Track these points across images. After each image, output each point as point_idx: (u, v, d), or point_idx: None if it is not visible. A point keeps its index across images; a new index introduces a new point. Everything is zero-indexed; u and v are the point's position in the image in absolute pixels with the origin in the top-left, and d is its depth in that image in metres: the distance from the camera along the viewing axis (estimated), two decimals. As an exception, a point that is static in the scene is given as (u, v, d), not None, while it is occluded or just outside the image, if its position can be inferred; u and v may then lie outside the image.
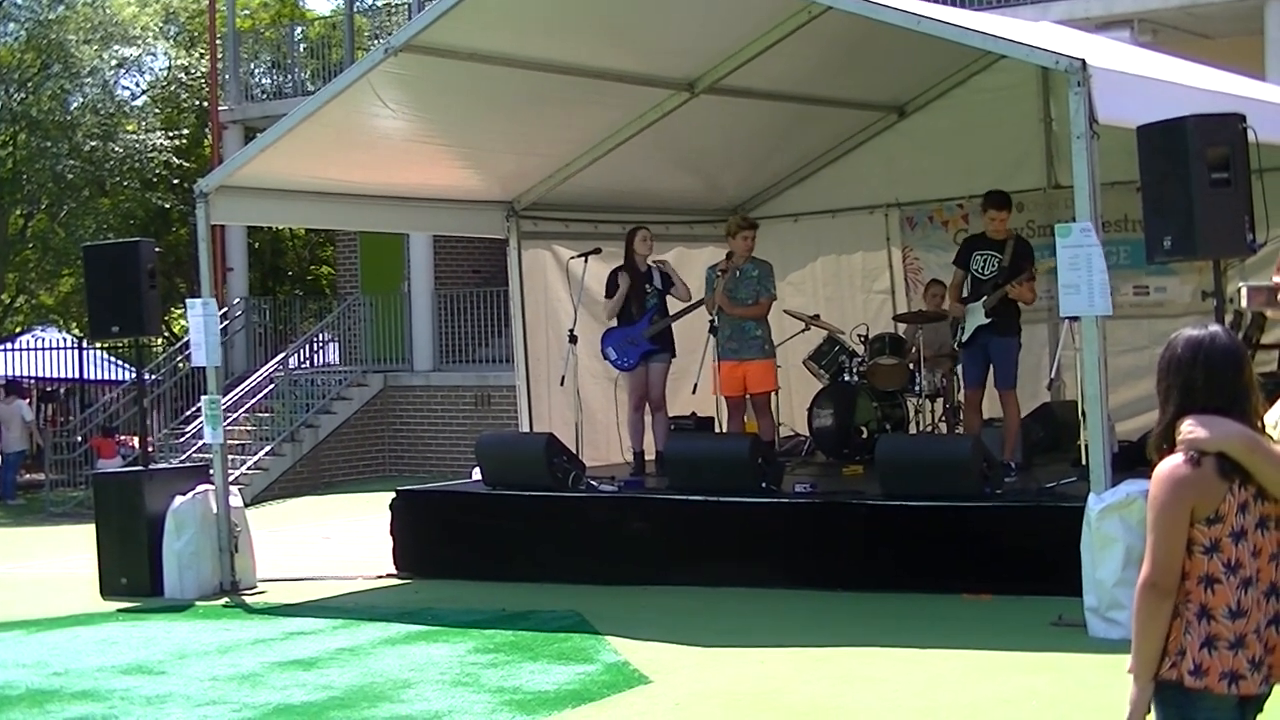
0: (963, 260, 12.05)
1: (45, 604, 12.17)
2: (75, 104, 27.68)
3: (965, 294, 11.96)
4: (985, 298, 11.73)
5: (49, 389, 30.73)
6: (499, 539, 12.21)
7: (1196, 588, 3.86)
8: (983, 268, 11.84)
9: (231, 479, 13.95)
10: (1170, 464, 3.87)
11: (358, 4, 30.52)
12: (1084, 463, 9.48)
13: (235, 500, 12.53)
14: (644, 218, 14.70)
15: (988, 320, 11.76)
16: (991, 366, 11.89)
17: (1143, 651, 3.89)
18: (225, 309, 24.71)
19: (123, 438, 24.35)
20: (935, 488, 10.38)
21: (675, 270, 13.50)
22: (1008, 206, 11.93)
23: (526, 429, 14.06)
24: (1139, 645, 3.90)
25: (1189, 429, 3.85)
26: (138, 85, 31.94)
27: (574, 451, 12.69)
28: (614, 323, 13.29)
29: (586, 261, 13.64)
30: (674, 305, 13.27)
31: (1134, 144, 8.76)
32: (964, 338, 11.98)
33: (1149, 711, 3.92)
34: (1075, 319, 9.40)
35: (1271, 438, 3.94)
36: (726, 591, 10.69)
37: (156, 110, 30.54)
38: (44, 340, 31.44)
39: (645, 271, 13.19)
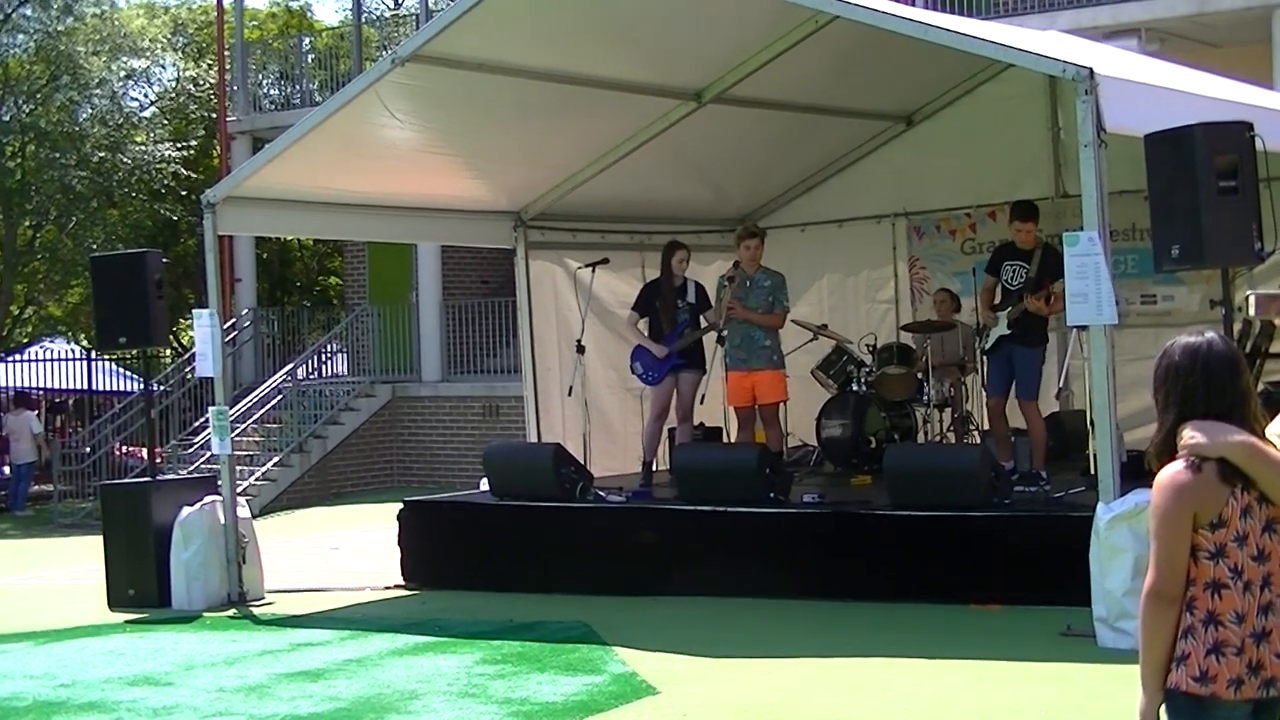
0: (994, 268, 11.98)
1: (53, 615, 12.18)
2: (84, 115, 27.70)
3: (997, 301, 11.92)
4: (1010, 309, 11.70)
5: (57, 400, 30.75)
6: (507, 549, 12.21)
7: (1203, 594, 3.85)
8: (1011, 278, 11.79)
9: (239, 490, 13.95)
10: (1171, 471, 3.86)
11: (365, 15, 30.59)
12: (1092, 472, 9.45)
13: (243, 511, 12.53)
14: (651, 228, 14.74)
15: (1009, 330, 11.72)
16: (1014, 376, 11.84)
17: (1150, 660, 3.88)
18: (233, 320, 24.73)
19: (130, 449, 24.38)
20: (943, 498, 10.36)
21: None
22: (1034, 217, 11.78)
23: (535, 439, 14.05)
24: (1146, 654, 3.88)
25: (1190, 435, 3.85)
26: (146, 96, 32.02)
27: (582, 462, 12.68)
28: (646, 336, 13.11)
29: (594, 271, 13.63)
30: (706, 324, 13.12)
31: (1142, 152, 8.75)
32: (987, 345, 11.97)
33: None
34: (1083, 328, 9.38)
35: (1274, 445, 3.93)
36: (734, 602, 10.67)
37: (165, 121, 30.56)
38: (52, 351, 31.48)
39: (679, 287, 13.11)
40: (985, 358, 12.21)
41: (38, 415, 26.33)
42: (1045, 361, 12.05)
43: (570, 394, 13.28)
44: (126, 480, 17.49)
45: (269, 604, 12.10)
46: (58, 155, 26.68)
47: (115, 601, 12.26)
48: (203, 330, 12.43)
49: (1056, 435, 12.70)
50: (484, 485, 13.09)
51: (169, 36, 30.29)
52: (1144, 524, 8.39)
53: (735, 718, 7.65)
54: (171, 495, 12.34)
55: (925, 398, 13.33)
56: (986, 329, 12.00)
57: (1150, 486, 3.93)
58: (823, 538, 10.87)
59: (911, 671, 8.37)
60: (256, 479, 21.62)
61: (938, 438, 13.59)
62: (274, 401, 23.28)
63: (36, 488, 25.18)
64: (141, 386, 21.00)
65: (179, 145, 28.82)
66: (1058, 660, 8.37)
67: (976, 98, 14.49)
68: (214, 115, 28.83)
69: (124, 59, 28.05)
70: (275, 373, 24.25)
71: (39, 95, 27.56)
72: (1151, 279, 13.14)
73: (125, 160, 27.38)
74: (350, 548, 16.42)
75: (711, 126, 13.60)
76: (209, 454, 20.33)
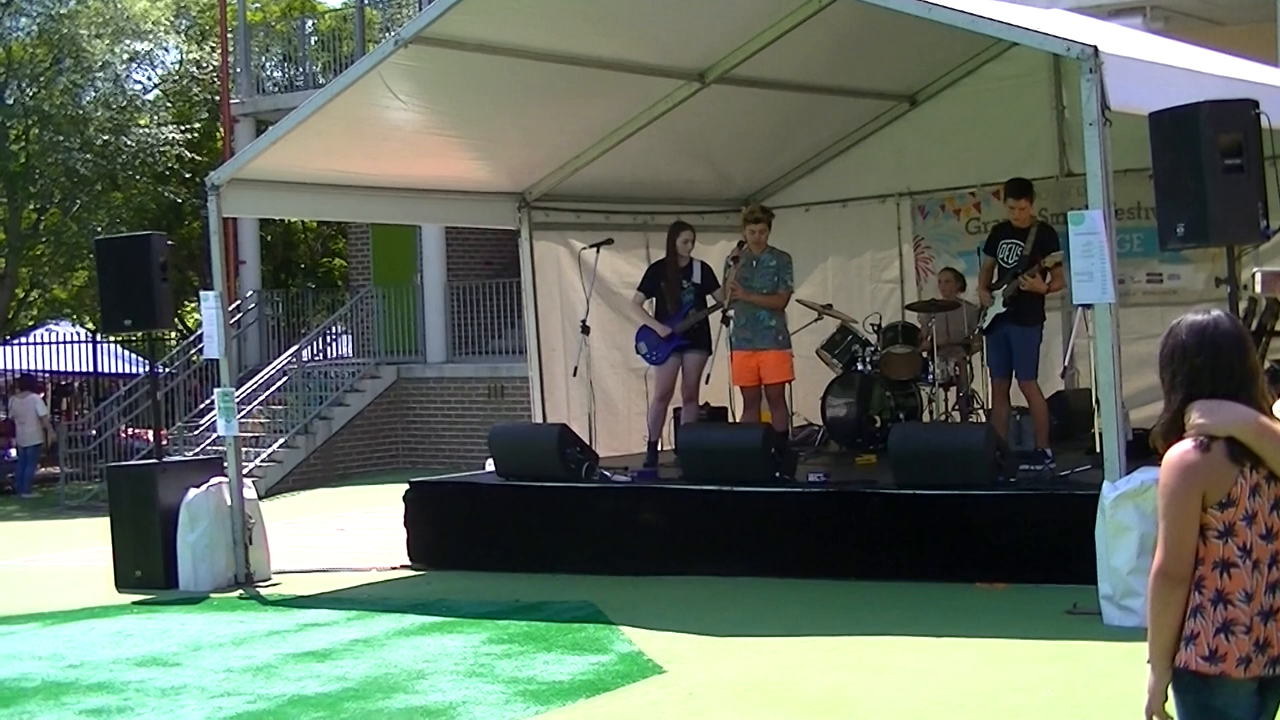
0: (991, 248, 12.02)
1: (60, 597, 12.21)
2: (87, 98, 27.69)
3: (994, 281, 11.94)
4: (1005, 287, 11.71)
5: (63, 383, 30.78)
6: (512, 530, 12.22)
7: (1211, 573, 3.85)
8: (1007, 256, 11.81)
9: (245, 471, 13.97)
10: (1180, 450, 3.85)
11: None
12: (1098, 451, 9.46)
13: (249, 492, 12.56)
14: (655, 208, 14.73)
15: (1005, 309, 11.73)
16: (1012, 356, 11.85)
17: (1158, 639, 3.88)
18: (238, 302, 24.74)
19: (136, 431, 24.40)
20: (948, 477, 10.36)
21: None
22: (1028, 194, 11.82)
23: (540, 420, 14.06)
24: (1154, 633, 3.88)
25: (1198, 415, 3.84)
26: (149, 79, 31.98)
27: (587, 442, 12.69)
28: (651, 316, 13.08)
29: (598, 252, 13.62)
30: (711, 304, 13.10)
31: (1146, 131, 8.74)
32: (984, 324, 11.98)
33: (1167, 698, 3.91)
34: (1088, 307, 9.38)
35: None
36: (739, 581, 10.69)
37: (168, 104, 30.56)
38: (57, 334, 31.48)
39: (684, 267, 13.08)
40: (984, 338, 12.22)
41: (43, 398, 26.37)
42: (1043, 340, 12.05)
43: (575, 374, 13.28)
44: (132, 462, 17.50)
45: (275, 585, 12.13)
46: (61, 138, 26.68)
47: (122, 583, 12.29)
48: (208, 312, 12.45)
49: (1062, 414, 12.70)
50: (489, 466, 13.11)
51: (172, 19, 30.24)
52: (1149, 502, 8.41)
53: (741, 696, 7.66)
54: (177, 477, 12.37)
55: (930, 377, 13.33)
56: (984, 309, 12.02)
57: (1156, 465, 3.92)
58: (828, 517, 10.88)
59: (917, 650, 8.38)
60: (262, 460, 21.66)
61: (943, 417, 13.59)
62: (279, 383, 23.31)
63: (42, 470, 25.23)
64: (147, 369, 21.05)
65: (182, 128, 28.81)
66: (1064, 639, 8.38)
67: (980, 77, 14.47)
68: (217, 98, 28.83)
69: (127, 42, 28.02)
70: (280, 355, 24.28)
71: (42, 79, 27.55)
72: (1157, 257, 13.12)
73: (129, 143, 27.37)
74: (356, 529, 16.45)
75: (715, 107, 13.59)
76: (215, 436, 20.38)
